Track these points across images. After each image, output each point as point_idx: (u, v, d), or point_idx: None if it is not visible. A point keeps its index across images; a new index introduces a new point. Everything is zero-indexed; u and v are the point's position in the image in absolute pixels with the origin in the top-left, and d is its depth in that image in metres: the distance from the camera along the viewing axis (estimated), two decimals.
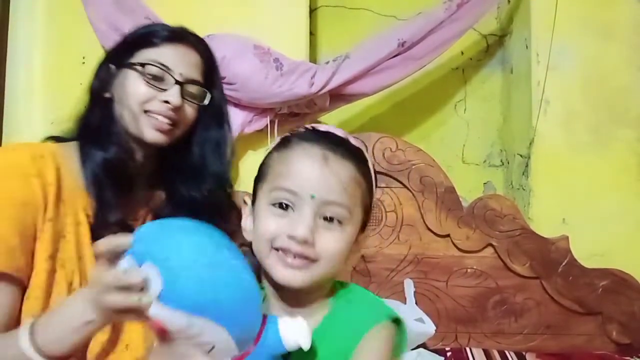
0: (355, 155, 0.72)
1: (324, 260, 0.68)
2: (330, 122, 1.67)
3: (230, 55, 1.39)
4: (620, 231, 1.53)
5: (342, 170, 0.69)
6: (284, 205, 0.69)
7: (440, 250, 1.41)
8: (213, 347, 0.60)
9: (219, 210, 1.00)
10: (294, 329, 0.65)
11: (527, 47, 1.60)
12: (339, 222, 0.69)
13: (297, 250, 0.67)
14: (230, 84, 1.38)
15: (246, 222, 0.75)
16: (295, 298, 0.72)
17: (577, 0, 1.58)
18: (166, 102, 0.96)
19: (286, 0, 1.52)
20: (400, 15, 1.67)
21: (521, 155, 1.62)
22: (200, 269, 0.61)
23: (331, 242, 0.68)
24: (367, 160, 0.74)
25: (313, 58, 1.64)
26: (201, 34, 1.45)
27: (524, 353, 1.36)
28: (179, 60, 0.99)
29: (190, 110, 1.00)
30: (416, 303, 1.35)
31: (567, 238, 1.42)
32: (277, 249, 0.68)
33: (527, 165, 1.58)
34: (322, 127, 0.76)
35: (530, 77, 1.58)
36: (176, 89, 0.96)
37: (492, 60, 1.78)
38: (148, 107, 0.96)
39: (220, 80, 1.10)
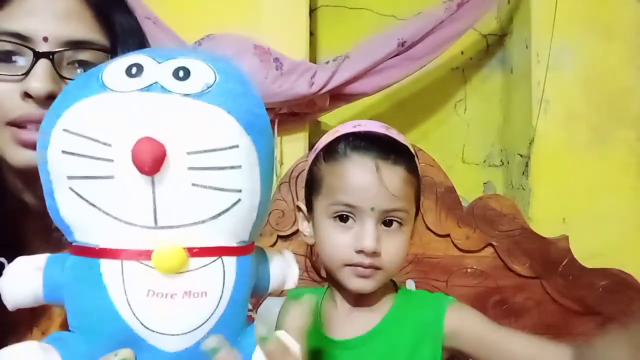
0: (405, 156, 0.73)
1: (390, 265, 0.72)
2: (330, 122, 1.67)
3: (230, 55, 1.39)
4: (620, 231, 1.53)
5: (395, 177, 0.71)
6: (345, 217, 0.71)
7: (440, 250, 1.41)
8: None
9: None
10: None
11: (527, 47, 1.60)
12: (399, 223, 0.72)
13: (368, 263, 0.70)
14: None
15: (304, 228, 0.78)
16: (362, 299, 0.76)
17: (577, 0, 1.57)
18: (27, 94, 0.58)
19: (286, 0, 1.52)
20: (400, 15, 1.67)
21: (521, 155, 1.62)
22: None
23: (395, 247, 0.71)
24: (414, 156, 0.75)
25: (313, 58, 1.64)
26: (201, 34, 1.47)
27: None
28: (38, 16, 0.59)
29: None
30: None
31: (567, 238, 1.41)
32: (350, 265, 0.71)
33: (527, 165, 1.58)
34: (366, 127, 0.75)
35: (530, 77, 1.58)
36: (40, 66, 0.58)
37: (492, 60, 1.78)
38: (7, 114, 0.59)
39: (136, 29, 0.68)
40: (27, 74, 0.59)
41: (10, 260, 0.59)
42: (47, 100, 0.58)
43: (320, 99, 1.48)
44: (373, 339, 0.74)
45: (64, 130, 0.42)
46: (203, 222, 0.43)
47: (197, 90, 0.43)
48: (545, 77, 1.55)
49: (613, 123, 1.57)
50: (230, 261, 0.45)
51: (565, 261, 1.40)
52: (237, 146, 0.44)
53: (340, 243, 0.71)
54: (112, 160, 0.41)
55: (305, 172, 0.82)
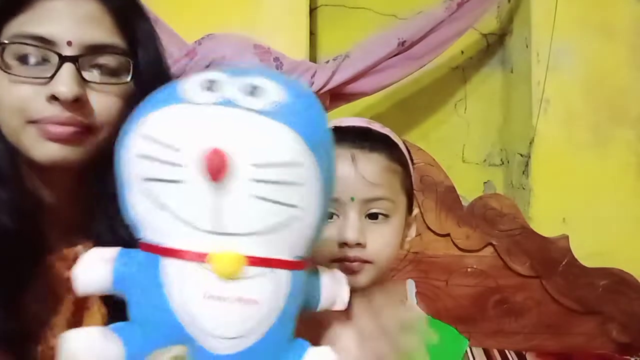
0: (384, 144, 0.72)
1: (380, 258, 0.69)
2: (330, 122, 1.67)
3: (230, 55, 1.39)
4: (620, 231, 1.53)
5: (373, 164, 0.69)
6: (329, 214, 0.69)
7: (440, 250, 1.41)
8: None
9: None
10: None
11: (527, 46, 1.60)
12: (385, 215, 0.69)
13: (353, 256, 0.68)
14: None
15: None
16: (363, 306, 0.73)
17: (577, 0, 1.57)
18: (54, 97, 0.60)
19: (286, 0, 1.52)
20: (401, 14, 1.67)
21: (521, 155, 1.62)
22: None
23: (381, 240, 0.69)
24: (396, 145, 0.74)
25: (313, 57, 1.64)
26: (201, 34, 1.47)
27: (524, 352, 1.36)
28: (62, 21, 0.60)
29: (104, 99, 0.63)
30: (417, 304, 1.35)
31: (567, 237, 1.42)
32: (336, 260, 0.69)
33: (527, 165, 1.58)
34: (344, 123, 0.75)
35: (530, 77, 1.58)
36: (65, 70, 0.60)
37: (492, 59, 1.78)
38: (32, 114, 0.60)
39: (151, 35, 0.69)
40: (52, 77, 0.60)
41: (28, 257, 0.62)
42: (74, 103, 0.60)
43: (320, 99, 1.47)
44: None
45: (142, 135, 0.46)
46: (260, 233, 0.46)
47: (266, 108, 0.46)
48: (545, 77, 1.55)
49: (613, 123, 1.57)
50: (284, 274, 0.47)
51: (565, 261, 1.40)
52: (301, 164, 0.46)
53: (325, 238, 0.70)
54: (182, 166, 0.44)
55: None
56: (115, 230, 0.64)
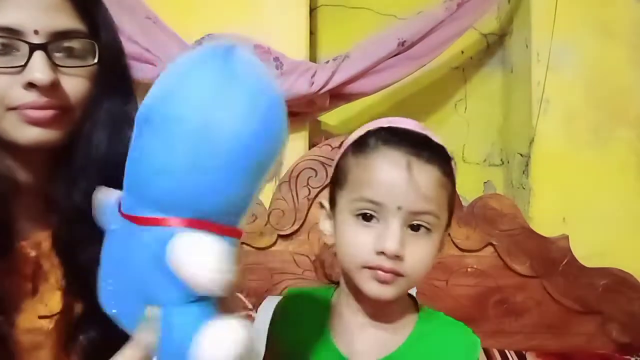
0: (440, 156, 0.68)
1: (413, 272, 0.66)
2: (330, 121, 1.67)
3: None
4: (620, 231, 1.53)
5: (428, 176, 0.66)
6: (368, 216, 0.66)
7: None
8: None
9: None
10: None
11: (527, 46, 1.60)
12: (427, 229, 0.66)
13: (388, 267, 0.65)
14: None
15: (325, 226, 0.73)
16: (380, 313, 0.71)
17: (577, 0, 1.57)
18: (31, 84, 0.62)
19: (286, 0, 1.52)
20: (400, 14, 1.67)
21: (521, 155, 1.62)
22: None
23: (419, 255, 0.66)
24: (450, 158, 0.70)
25: (313, 57, 1.64)
26: (201, 34, 1.47)
27: (524, 352, 1.36)
28: (26, 10, 0.63)
29: (74, 82, 0.66)
30: None
31: (567, 237, 1.42)
32: (368, 267, 0.66)
33: (527, 165, 1.59)
34: (400, 124, 0.72)
35: (530, 77, 1.58)
36: (38, 57, 0.62)
37: (492, 59, 1.78)
38: (11, 101, 0.63)
39: (108, 17, 0.72)
40: (24, 65, 0.63)
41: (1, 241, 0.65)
42: (50, 87, 0.63)
43: (320, 99, 1.48)
44: None
45: None
46: None
47: None
48: (545, 77, 1.55)
49: (613, 123, 1.57)
50: None
51: (566, 261, 1.40)
52: None
53: (360, 242, 0.66)
54: None
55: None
56: (71, 195, 0.68)
